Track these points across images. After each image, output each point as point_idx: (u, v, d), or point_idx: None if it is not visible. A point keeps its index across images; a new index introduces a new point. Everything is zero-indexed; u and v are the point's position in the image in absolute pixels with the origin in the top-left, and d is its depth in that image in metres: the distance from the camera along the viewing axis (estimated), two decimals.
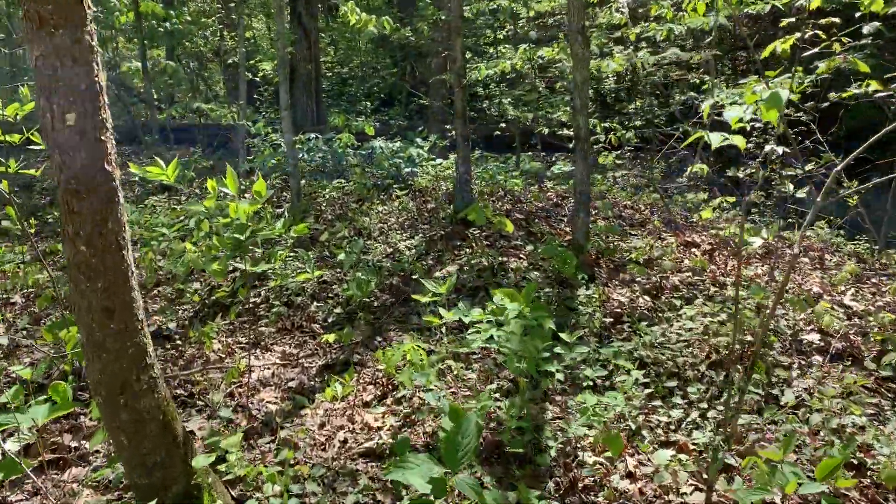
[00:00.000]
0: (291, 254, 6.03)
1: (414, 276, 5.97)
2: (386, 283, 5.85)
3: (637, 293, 5.46)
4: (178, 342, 4.97)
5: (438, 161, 9.55)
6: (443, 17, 7.85)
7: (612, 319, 4.97)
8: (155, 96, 11.50)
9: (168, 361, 4.66)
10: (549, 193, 8.57)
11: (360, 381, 4.44)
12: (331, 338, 4.72)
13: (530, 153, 11.18)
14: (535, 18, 14.53)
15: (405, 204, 8.00)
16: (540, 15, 13.76)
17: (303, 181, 9.01)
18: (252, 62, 10.19)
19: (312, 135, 10.87)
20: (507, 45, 11.41)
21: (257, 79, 10.58)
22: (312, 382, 4.48)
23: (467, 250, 6.50)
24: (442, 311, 4.37)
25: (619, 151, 8.46)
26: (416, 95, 14.53)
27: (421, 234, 6.99)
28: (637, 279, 5.73)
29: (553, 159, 12.82)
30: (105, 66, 2.51)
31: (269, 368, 4.65)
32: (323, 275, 5.53)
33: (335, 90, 17.48)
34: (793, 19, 6.68)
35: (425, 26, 8.73)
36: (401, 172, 9.28)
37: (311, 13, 13.59)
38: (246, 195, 8.99)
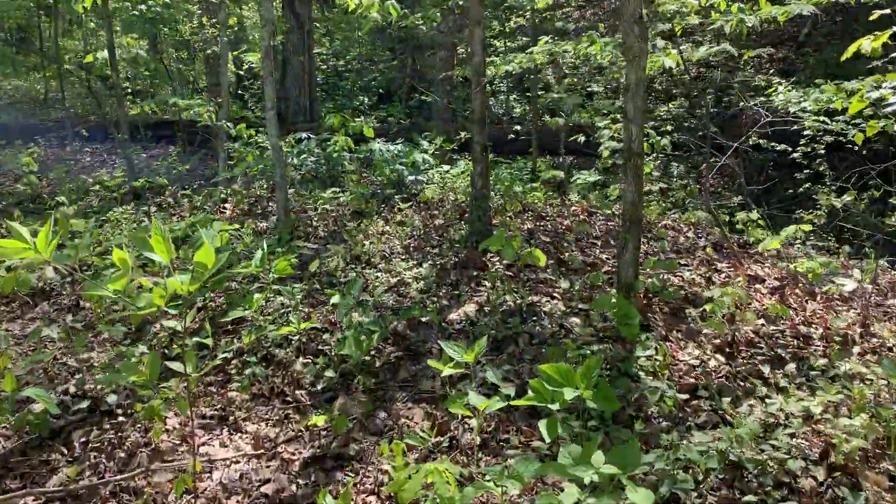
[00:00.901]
0: (274, 287, 4.81)
1: (424, 320, 4.76)
2: (389, 328, 4.64)
3: (707, 351, 4.27)
4: (122, 418, 3.75)
5: (445, 168, 8.32)
6: (460, 3, 6.61)
7: (686, 396, 3.77)
8: (129, 88, 10.22)
9: (102, 453, 3.43)
10: (573, 207, 7.37)
11: (359, 486, 3.24)
12: (319, 420, 3.51)
13: (547, 157, 9.96)
14: (543, 10, 13.34)
15: (410, 220, 6.77)
16: (552, 6, 12.50)
17: (292, 190, 7.77)
18: (237, 53, 8.92)
19: (304, 134, 9.63)
20: (521, 38, 10.20)
21: (241, 72, 9.31)
22: (294, 485, 3.28)
23: (486, 283, 5.30)
24: (473, 396, 3.16)
25: (653, 161, 7.26)
26: (418, 91, 13.27)
27: (430, 261, 5.78)
28: (703, 330, 4.54)
29: (561, 161, 11.60)
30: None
31: (237, 462, 3.43)
32: (312, 325, 4.31)
33: (330, 84, 16.18)
34: (887, 11, 5.44)
35: (438, 13, 7.49)
36: (403, 180, 8.05)
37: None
38: (226, 205, 7.73)
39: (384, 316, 4.72)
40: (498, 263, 5.66)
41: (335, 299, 4.36)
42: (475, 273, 5.52)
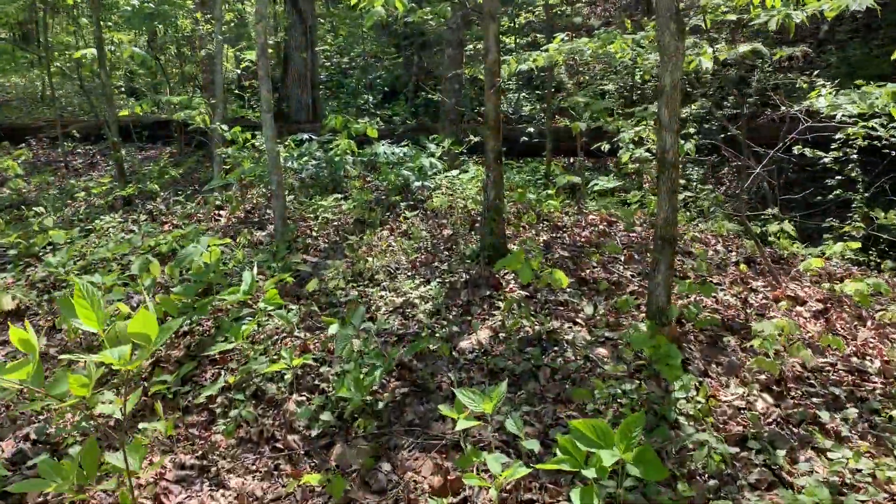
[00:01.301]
0: (269, 310, 4.30)
1: (433, 348, 4.26)
2: (394, 359, 4.13)
3: (753, 391, 3.76)
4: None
5: (454, 173, 7.79)
6: None
7: (736, 448, 3.26)
8: (123, 87, 9.70)
9: None
10: (590, 216, 6.84)
11: None
12: (314, 479, 3.01)
13: (561, 159, 9.42)
14: (553, 6, 12.83)
15: (416, 231, 6.26)
16: (563, 2, 11.95)
17: (291, 196, 7.26)
18: (233, 50, 8.35)
19: (305, 136, 9.13)
20: (531, 34, 9.67)
21: (240, 70, 8.77)
22: None
23: (500, 304, 4.80)
24: (491, 461, 2.66)
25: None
26: (424, 89, 12.74)
27: (438, 278, 5.27)
28: (746, 364, 4.02)
29: (576, 165, 11.05)
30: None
31: None
32: (307, 360, 3.80)
33: (333, 82, 15.65)
34: None
35: (448, 7, 6.93)
36: (409, 186, 7.54)
37: None
38: (221, 213, 7.22)
39: (388, 343, 4.22)
40: (513, 282, 5.15)
41: (334, 328, 3.86)
42: (488, 293, 5.01)
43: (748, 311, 4.75)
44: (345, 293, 5.09)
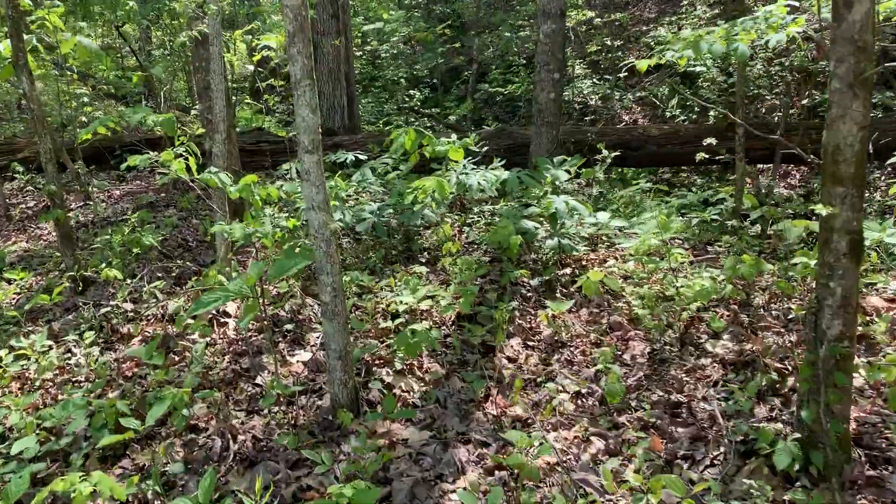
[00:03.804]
0: None
1: None
2: None
3: None
4: None
5: (601, 216, 4.57)
6: None
7: None
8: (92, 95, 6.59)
9: None
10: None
11: None
12: None
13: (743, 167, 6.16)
14: None
15: (604, 357, 3.08)
16: None
17: (347, 277, 4.10)
18: (239, 33, 5.17)
19: (350, 156, 6.05)
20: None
21: (252, 65, 5.57)
22: None
23: None
24: None
25: None
26: (488, 80, 9.50)
27: None
28: None
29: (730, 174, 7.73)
30: None
31: None
32: None
33: (364, 74, 12.42)
34: None
35: None
36: (531, 244, 4.39)
37: None
38: (227, 324, 4.00)
39: None
40: None
41: None
42: None
43: None
44: None
